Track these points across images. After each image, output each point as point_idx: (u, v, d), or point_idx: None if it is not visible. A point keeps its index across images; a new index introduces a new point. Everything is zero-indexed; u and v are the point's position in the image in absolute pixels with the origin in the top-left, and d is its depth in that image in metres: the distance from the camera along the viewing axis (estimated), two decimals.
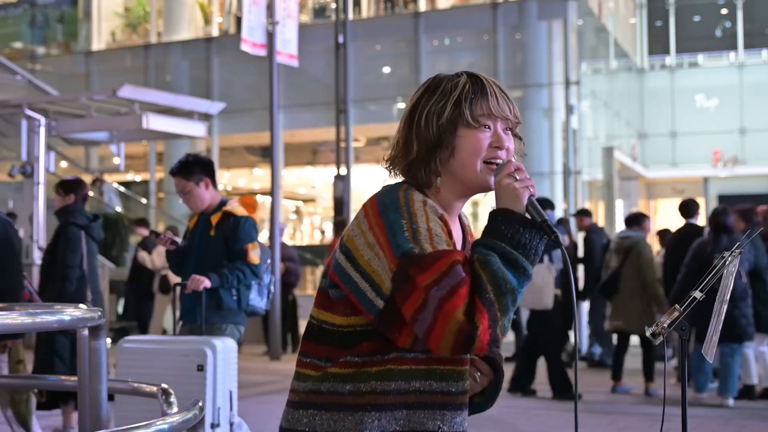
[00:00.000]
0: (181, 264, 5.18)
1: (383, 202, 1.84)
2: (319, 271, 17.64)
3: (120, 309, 14.26)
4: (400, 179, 1.96)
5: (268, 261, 5.30)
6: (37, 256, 12.84)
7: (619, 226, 13.70)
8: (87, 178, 15.12)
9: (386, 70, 18.63)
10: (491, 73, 16.58)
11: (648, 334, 2.21)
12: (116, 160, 15.39)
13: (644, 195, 23.94)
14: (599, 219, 16.06)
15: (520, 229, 1.80)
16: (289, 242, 18.62)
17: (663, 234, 11.22)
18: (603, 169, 16.71)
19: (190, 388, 4.36)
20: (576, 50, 17.02)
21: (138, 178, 21.07)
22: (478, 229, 1.93)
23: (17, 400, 5.43)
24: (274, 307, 11.46)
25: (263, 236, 12.87)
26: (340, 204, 13.89)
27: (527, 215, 1.83)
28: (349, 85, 13.72)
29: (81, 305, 2.47)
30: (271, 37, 12.00)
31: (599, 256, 10.14)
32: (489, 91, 1.91)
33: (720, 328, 2.26)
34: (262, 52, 12.34)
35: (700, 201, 21.58)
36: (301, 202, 23.64)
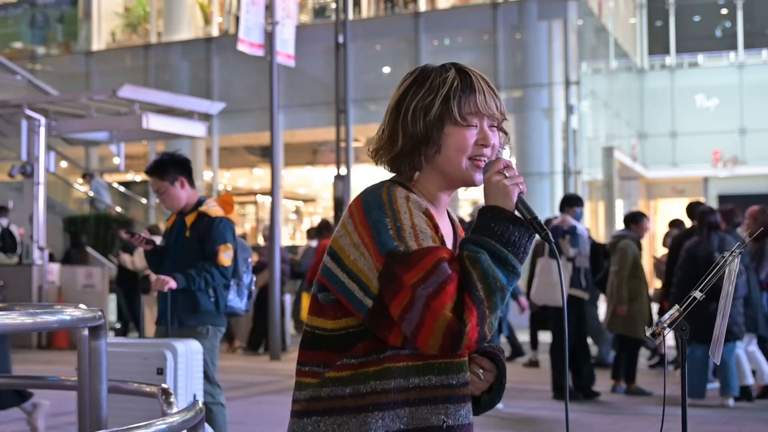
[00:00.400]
0: (159, 264, 5.11)
1: (367, 201, 1.84)
2: None
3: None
4: (385, 168, 1.97)
5: (249, 260, 5.19)
6: (37, 256, 12.86)
7: (619, 226, 13.69)
8: (78, 174, 15.16)
9: (386, 70, 18.64)
10: (491, 73, 16.60)
11: (648, 334, 2.21)
12: (116, 160, 15.41)
13: (644, 195, 23.95)
14: (600, 219, 16.07)
15: (510, 227, 1.81)
16: (289, 242, 18.65)
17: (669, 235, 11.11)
18: (603, 169, 16.73)
19: None
20: (576, 50, 17.03)
21: (138, 178, 21.08)
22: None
23: None
24: (273, 307, 11.45)
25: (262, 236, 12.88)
26: (340, 204, 13.88)
27: (517, 213, 1.84)
28: (349, 85, 13.72)
29: (81, 305, 2.47)
30: (270, 37, 12.00)
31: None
32: (477, 87, 1.90)
33: (725, 328, 2.26)
34: (260, 52, 12.34)
35: (700, 201, 21.66)
36: (301, 202, 23.65)
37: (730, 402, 7.64)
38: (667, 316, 2.20)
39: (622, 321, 8.42)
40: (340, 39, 13.78)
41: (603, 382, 8.70)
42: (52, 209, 14.97)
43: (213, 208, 5.04)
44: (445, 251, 1.78)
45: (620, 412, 7.55)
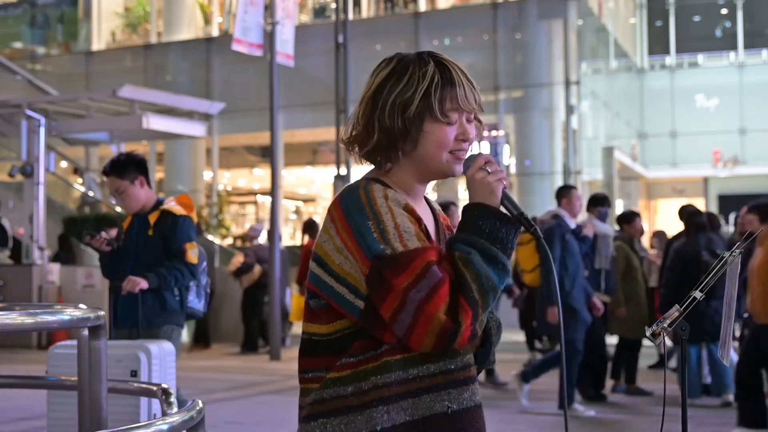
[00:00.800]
0: (114, 266, 5.00)
1: (346, 204, 1.83)
2: None
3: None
4: (359, 159, 1.96)
5: (204, 263, 5.10)
6: (37, 256, 12.86)
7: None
8: (69, 168, 15.15)
9: None
10: (491, 73, 16.62)
11: (648, 334, 2.21)
12: None
13: (644, 195, 23.96)
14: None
15: (497, 224, 1.81)
16: (290, 242, 18.63)
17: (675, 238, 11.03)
18: (603, 169, 16.72)
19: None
20: (576, 50, 17.03)
21: None
22: None
23: None
24: (273, 307, 11.44)
25: (262, 237, 12.88)
26: None
27: (503, 209, 1.84)
28: (349, 85, 13.72)
29: (81, 305, 2.48)
30: (271, 37, 12.00)
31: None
32: (457, 81, 1.89)
33: (731, 330, 2.26)
34: (259, 52, 12.34)
35: (700, 201, 21.68)
36: (301, 202, 23.65)
37: (731, 397, 7.61)
38: (667, 315, 2.21)
39: (621, 322, 8.42)
40: (340, 39, 13.78)
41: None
42: (52, 209, 14.97)
43: (176, 207, 4.97)
44: (433, 252, 1.78)
45: (620, 412, 7.55)
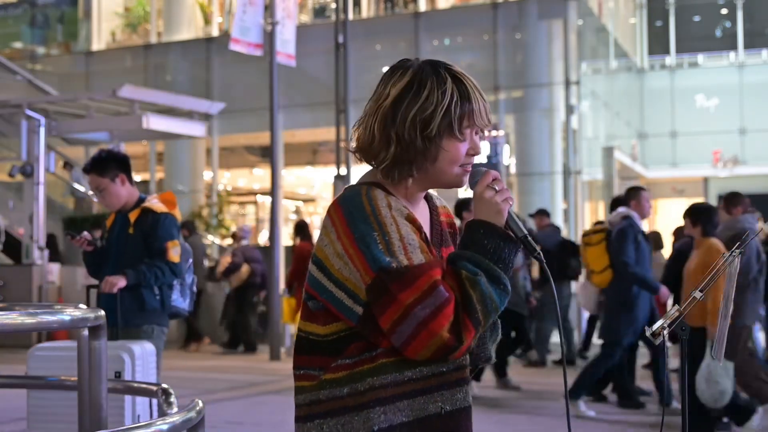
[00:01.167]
0: (97, 265, 4.94)
1: (349, 210, 1.84)
2: None
3: None
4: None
5: (190, 261, 5.04)
6: (37, 256, 12.86)
7: None
8: (58, 162, 15.11)
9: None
10: (491, 73, 16.61)
11: (648, 334, 2.21)
12: None
13: None
14: (599, 219, 16.06)
15: (501, 244, 1.84)
16: (290, 242, 18.62)
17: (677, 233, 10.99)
18: (603, 169, 16.70)
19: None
20: (576, 50, 17.02)
21: (138, 178, 21.06)
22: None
23: None
24: (273, 308, 11.44)
25: (263, 236, 12.88)
26: None
27: (507, 229, 1.87)
28: (349, 85, 13.73)
29: (81, 305, 2.48)
30: (271, 37, 12.00)
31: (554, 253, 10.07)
32: (473, 98, 1.91)
33: (727, 329, 2.26)
34: (258, 52, 12.34)
35: (700, 201, 21.65)
36: (301, 202, 23.64)
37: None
38: (666, 316, 2.21)
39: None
40: (340, 39, 13.78)
41: None
42: (52, 209, 14.97)
43: (157, 205, 4.92)
44: (438, 269, 1.80)
45: (620, 412, 7.56)
